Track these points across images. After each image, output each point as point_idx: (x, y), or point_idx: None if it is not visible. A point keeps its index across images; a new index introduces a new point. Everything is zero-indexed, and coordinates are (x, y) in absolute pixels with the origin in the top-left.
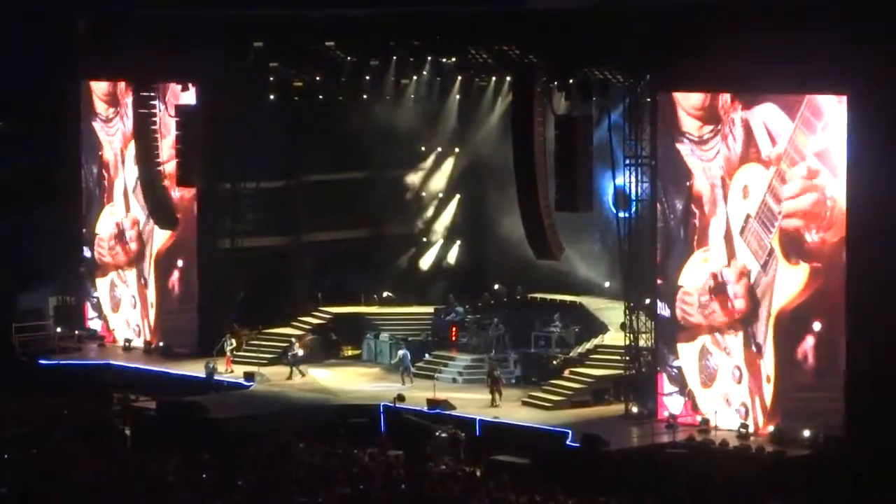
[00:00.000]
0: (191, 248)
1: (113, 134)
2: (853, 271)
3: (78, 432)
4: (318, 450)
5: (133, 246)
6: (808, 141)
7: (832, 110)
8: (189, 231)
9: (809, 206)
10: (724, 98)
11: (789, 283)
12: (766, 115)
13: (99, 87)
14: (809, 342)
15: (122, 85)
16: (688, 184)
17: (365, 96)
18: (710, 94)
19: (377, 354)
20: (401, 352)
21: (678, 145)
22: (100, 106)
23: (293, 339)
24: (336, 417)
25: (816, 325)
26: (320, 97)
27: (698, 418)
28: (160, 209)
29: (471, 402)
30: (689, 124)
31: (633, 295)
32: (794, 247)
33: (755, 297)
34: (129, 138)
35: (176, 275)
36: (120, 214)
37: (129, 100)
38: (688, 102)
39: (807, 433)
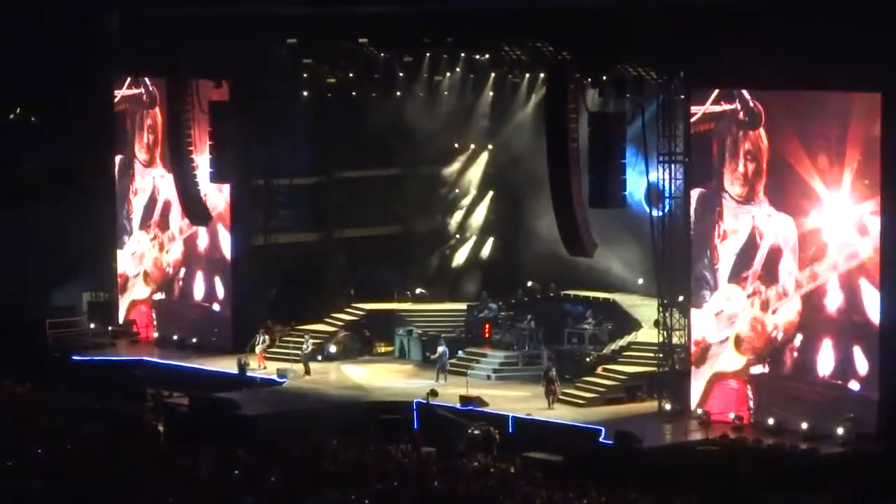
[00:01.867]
0: (223, 245)
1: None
2: (888, 271)
3: (110, 428)
4: (351, 446)
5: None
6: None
7: None
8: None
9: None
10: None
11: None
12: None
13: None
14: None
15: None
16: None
17: (398, 93)
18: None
19: (409, 351)
20: (441, 348)
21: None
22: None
23: (306, 336)
24: (368, 414)
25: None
26: (353, 94)
27: (731, 415)
28: (193, 206)
29: (504, 399)
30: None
31: (666, 292)
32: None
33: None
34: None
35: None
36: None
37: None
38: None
39: (840, 431)
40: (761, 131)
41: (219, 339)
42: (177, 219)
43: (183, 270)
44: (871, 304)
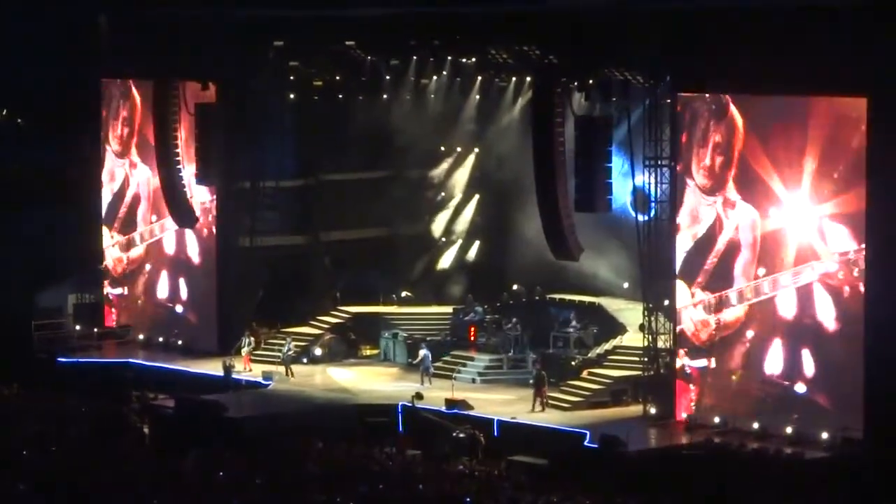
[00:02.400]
0: (208, 247)
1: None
2: (872, 273)
3: (96, 430)
4: (337, 449)
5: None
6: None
7: None
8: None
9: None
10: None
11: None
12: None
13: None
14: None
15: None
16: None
17: (385, 96)
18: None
19: (395, 354)
20: (422, 352)
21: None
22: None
23: (288, 338)
24: (354, 417)
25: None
26: (340, 97)
27: (716, 420)
28: (180, 208)
29: (489, 402)
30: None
31: (651, 296)
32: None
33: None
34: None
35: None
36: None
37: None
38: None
39: (825, 435)
40: (737, 120)
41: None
42: (146, 216)
43: (148, 267)
44: (824, 308)
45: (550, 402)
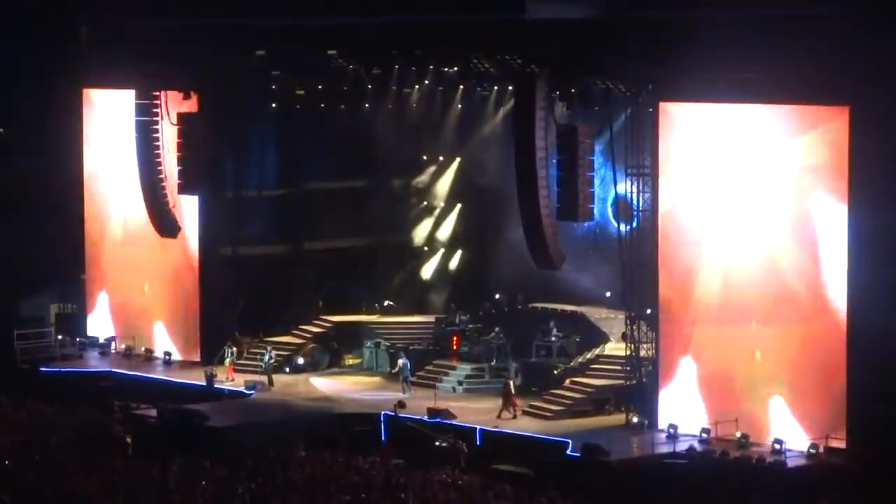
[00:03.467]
0: (191, 256)
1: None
2: (854, 284)
3: (78, 440)
4: (319, 458)
5: None
6: None
7: None
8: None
9: None
10: None
11: None
12: None
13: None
14: None
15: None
16: None
17: (367, 105)
18: None
19: (377, 363)
20: (401, 361)
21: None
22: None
23: (268, 347)
24: (337, 426)
25: None
26: (322, 106)
27: (698, 428)
28: (162, 218)
29: (471, 411)
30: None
31: (634, 305)
32: None
33: None
34: None
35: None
36: None
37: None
38: None
39: (807, 443)
40: None
41: (187, 351)
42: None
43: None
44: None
45: (534, 411)
